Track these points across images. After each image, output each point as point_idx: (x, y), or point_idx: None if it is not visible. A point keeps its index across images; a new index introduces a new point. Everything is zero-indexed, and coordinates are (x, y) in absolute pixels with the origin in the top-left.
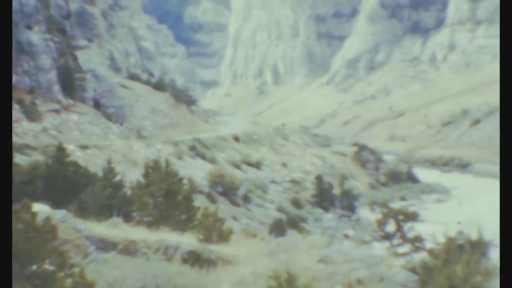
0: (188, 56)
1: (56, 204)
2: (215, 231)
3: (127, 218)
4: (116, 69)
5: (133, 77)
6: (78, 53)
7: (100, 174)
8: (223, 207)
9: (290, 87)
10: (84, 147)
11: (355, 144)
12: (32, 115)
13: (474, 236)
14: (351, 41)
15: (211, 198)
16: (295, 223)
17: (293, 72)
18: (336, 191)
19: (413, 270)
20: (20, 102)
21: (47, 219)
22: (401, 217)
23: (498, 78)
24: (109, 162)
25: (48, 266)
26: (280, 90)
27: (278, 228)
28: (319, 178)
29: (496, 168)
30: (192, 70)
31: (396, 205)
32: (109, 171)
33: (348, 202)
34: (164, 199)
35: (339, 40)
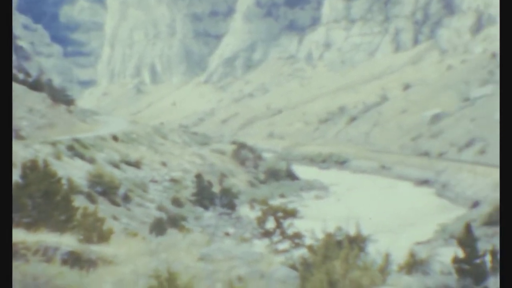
0: (64, 56)
1: None
2: (95, 231)
3: None
4: None
5: None
6: None
7: None
8: (103, 207)
9: (168, 85)
10: None
11: (234, 142)
12: None
13: (352, 231)
14: (228, 40)
15: (90, 198)
16: (175, 222)
17: (171, 71)
18: (216, 189)
19: (293, 267)
20: None
21: None
22: (280, 214)
23: (373, 76)
24: None
25: None
26: (158, 89)
27: (158, 227)
28: (198, 177)
29: (372, 164)
30: (69, 70)
31: (276, 202)
32: None
33: (228, 200)
34: (43, 199)
35: (216, 38)
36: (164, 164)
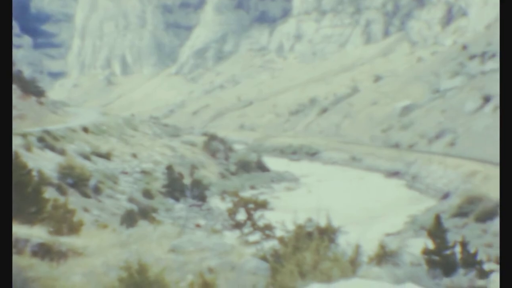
0: (35, 47)
1: None
2: (66, 223)
3: None
4: None
5: None
6: None
7: None
8: (74, 199)
9: (139, 77)
10: None
11: (205, 134)
12: None
13: (323, 223)
14: (199, 31)
15: (61, 190)
16: (146, 213)
17: (141, 62)
18: (187, 181)
19: (263, 258)
20: None
21: None
22: (251, 205)
23: (344, 68)
24: None
25: None
26: (128, 81)
27: (129, 219)
28: (169, 168)
29: (343, 156)
30: (39, 61)
31: (247, 194)
32: None
33: (199, 192)
34: (13, 191)
35: (187, 30)
36: (134, 155)
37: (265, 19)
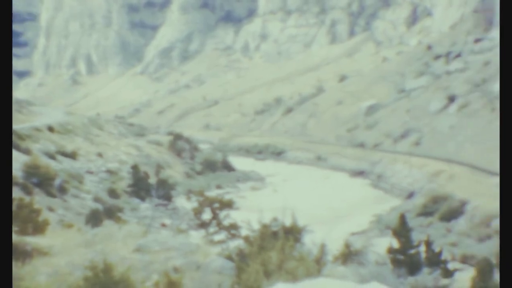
0: None
1: None
2: (31, 223)
3: None
4: None
5: None
6: None
7: None
8: (39, 198)
9: (104, 76)
10: None
11: (170, 133)
12: None
13: (288, 222)
14: (165, 31)
15: (26, 189)
16: (111, 213)
17: (107, 62)
18: (153, 180)
19: (229, 258)
20: None
21: None
22: (217, 205)
23: (309, 67)
24: None
25: None
26: (94, 80)
27: (94, 219)
28: (135, 168)
29: (309, 155)
30: None
31: (212, 193)
32: None
33: (164, 191)
34: None
35: (153, 29)
36: (100, 155)
37: (230, 19)
